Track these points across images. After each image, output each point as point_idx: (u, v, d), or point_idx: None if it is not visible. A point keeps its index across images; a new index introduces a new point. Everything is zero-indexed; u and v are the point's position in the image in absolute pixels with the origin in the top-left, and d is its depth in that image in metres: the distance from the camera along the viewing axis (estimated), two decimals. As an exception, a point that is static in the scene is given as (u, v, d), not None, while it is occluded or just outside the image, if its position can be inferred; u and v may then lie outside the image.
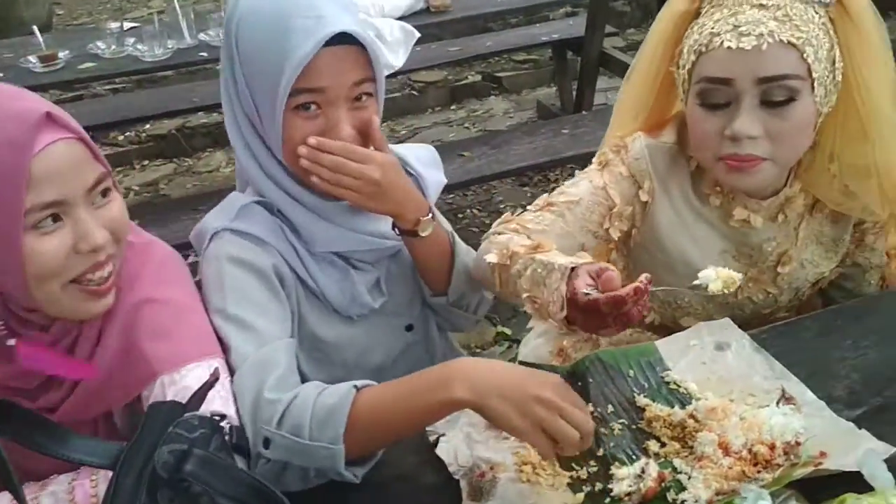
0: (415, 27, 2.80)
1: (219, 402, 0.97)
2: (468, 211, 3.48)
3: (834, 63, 1.13)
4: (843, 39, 1.13)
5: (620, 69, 3.12)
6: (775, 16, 1.09)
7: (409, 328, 1.29)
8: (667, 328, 1.39)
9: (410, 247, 1.23)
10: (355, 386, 0.98)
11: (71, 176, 0.90)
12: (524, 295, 1.07)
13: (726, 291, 0.99)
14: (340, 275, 1.18)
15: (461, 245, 1.30)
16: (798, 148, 1.17)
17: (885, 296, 1.33)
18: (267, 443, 0.96)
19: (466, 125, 4.30)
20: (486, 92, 4.64)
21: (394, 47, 2.75)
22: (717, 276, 1.00)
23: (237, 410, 0.99)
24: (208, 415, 0.87)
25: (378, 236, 1.20)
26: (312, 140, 1.07)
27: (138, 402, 1.00)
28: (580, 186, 1.29)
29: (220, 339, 1.04)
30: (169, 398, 0.94)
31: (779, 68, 1.09)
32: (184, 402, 0.88)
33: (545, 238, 1.19)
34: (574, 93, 3.90)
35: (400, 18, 2.83)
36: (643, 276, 0.94)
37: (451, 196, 3.54)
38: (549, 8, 4.53)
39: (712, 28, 1.12)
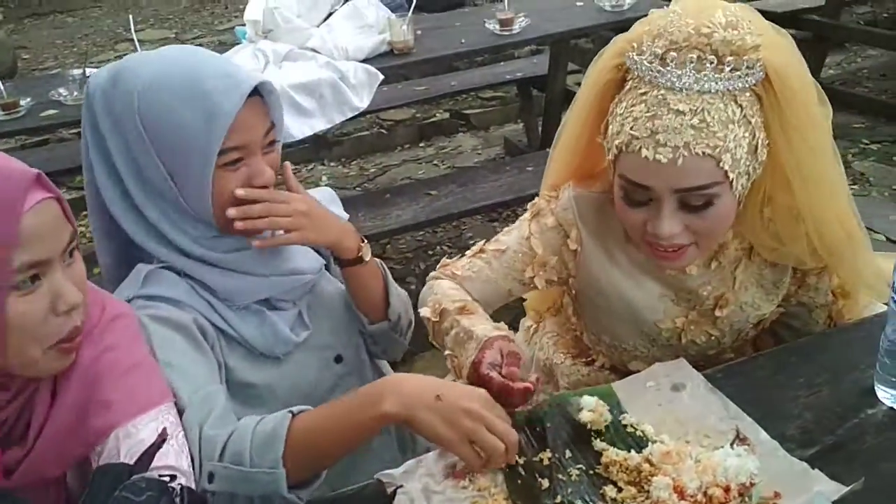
0: (379, 69, 2.83)
1: (172, 455, 0.96)
2: (438, 248, 3.51)
3: (756, 150, 1.12)
4: (769, 114, 1.12)
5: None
6: (692, 123, 1.07)
7: (339, 359, 1.31)
8: (617, 370, 1.41)
9: (351, 276, 1.28)
10: (290, 411, 1.03)
11: (53, 235, 0.90)
12: (447, 352, 1.16)
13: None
14: (258, 318, 1.21)
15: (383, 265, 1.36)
16: (720, 233, 1.21)
17: (835, 333, 1.35)
18: (211, 477, 0.99)
19: (435, 162, 4.33)
20: (454, 129, 4.69)
21: (358, 90, 2.77)
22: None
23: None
24: (156, 476, 0.86)
25: (293, 273, 1.24)
26: (241, 191, 1.13)
27: (88, 464, 0.98)
28: (511, 235, 1.36)
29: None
30: (122, 453, 0.92)
31: (695, 180, 1.10)
32: (132, 462, 0.87)
33: (471, 284, 1.34)
34: (540, 129, 3.95)
35: (364, 61, 2.85)
36: (533, 376, 1.08)
37: (422, 233, 3.57)
38: (513, 47, 4.60)
39: (632, 127, 1.11)
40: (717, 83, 1.08)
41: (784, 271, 1.32)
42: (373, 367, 1.39)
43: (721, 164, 1.09)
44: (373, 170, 4.29)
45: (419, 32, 3.06)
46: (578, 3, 3.44)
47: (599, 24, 3.35)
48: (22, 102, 2.64)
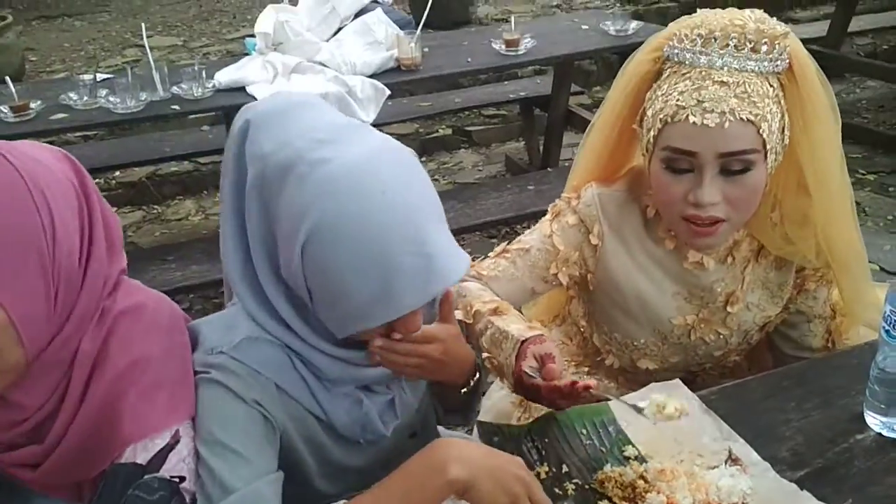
0: (386, 84, 2.87)
1: (187, 472, 0.95)
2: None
3: (784, 130, 1.22)
4: (791, 103, 1.22)
5: (585, 126, 3.23)
6: (736, 93, 1.17)
7: (413, 435, 1.21)
8: (625, 371, 1.47)
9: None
10: None
11: None
12: (485, 354, 1.18)
13: (655, 417, 1.12)
14: (351, 404, 1.09)
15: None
16: (751, 209, 1.26)
17: (828, 359, 1.38)
18: None
19: (436, 177, 4.36)
20: (456, 145, 4.72)
21: (365, 104, 2.81)
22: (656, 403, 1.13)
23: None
24: (167, 477, 0.89)
25: None
26: (379, 342, 1.00)
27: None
28: (533, 235, 1.42)
29: (201, 465, 0.96)
30: (138, 460, 0.93)
31: (738, 144, 1.18)
32: (144, 463, 0.89)
33: (497, 283, 1.37)
34: (541, 148, 4.00)
35: (371, 76, 2.89)
36: (583, 383, 1.09)
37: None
38: (518, 67, 4.66)
39: (678, 100, 1.20)
40: (754, 63, 1.19)
41: (787, 275, 1.38)
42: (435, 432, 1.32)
43: (761, 132, 1.18)
44: (374, 183, 4.31)
45: (426, 50, 3.11)
46: (584, 27, 3.50)
47: (603, 48, 3.42)
48: (32, 105, 2.68)
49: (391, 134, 1.03)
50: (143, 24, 3.02)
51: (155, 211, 4.15)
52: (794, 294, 1.41)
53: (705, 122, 1.17)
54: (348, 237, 0.89)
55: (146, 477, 0.87)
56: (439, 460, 0.93)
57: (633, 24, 3.30)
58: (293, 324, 1.02)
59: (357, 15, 3.13)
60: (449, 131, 4.78)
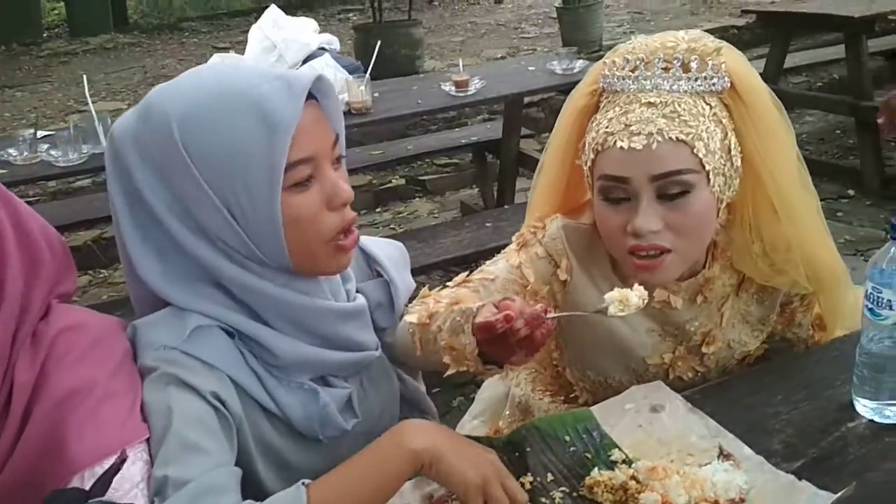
0: (337, 128, 2.84)
1: (141, 499, 0.87)
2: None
3: (730, 151, 1.15)
4: (740, 124, 1.16)
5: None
6: (664, 113, 1.11)
7: None
8: None
9: None
10: (302, 482, 0.91)
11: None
12: (442, 344, 1.05)
13: (621, 313, 1.01)
14: (308, 398, 1.06)
15: None
16: (700, 238, 1.19)
17: (808, 353, 1.35)
18: None
19: (392, 226, 4.32)
20: (410, 194, 4.70)
21: (316, 147, 2.77)
22: (617, 297, 1.02)
23: None
24: (115, 502, 0.80)
25: (357, 349, 1.12)
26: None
27: None
28: (498, 265, 1.30)
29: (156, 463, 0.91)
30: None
31: (670, 165, 1.11)
32: (87, 488, 0.80)
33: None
34: (495, 193, 3.99)
35: (322, 120, 2.86)
36: (539, 305, 0.97)
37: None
38: (465, 114, 4.71)
39: (606, 127, 1.14)
40: (685, 83, 1.13)
41: (771, 309, 1.31)
42: None
43: (695, 151, 1.11)
44: (329, 235, 4.26)
45: (376, 95, 3.10)
46: (531, 68, 3.54)
47: (551, 86, 3.46)
48: (-30, 161, 2.57)
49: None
50: (85, 78, 2.95)
51: (101, 275, 4.02)
52: (779, 328, 1.35)
53: (632, 145, 1.10)
54: (211, 98, 0.95)
55: (91, 501, 0.78)
56: (407, 434, 0.94)
57: (579, 63, 3.33)
58: (236, 278, 1.00)
59: (304, 62, 3.11)
60: (402, 181, 4.77)
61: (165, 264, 1.01)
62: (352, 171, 3.99)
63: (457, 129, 4.41)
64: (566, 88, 3.39)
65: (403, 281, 1.23)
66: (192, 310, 1.00)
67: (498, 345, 0.97)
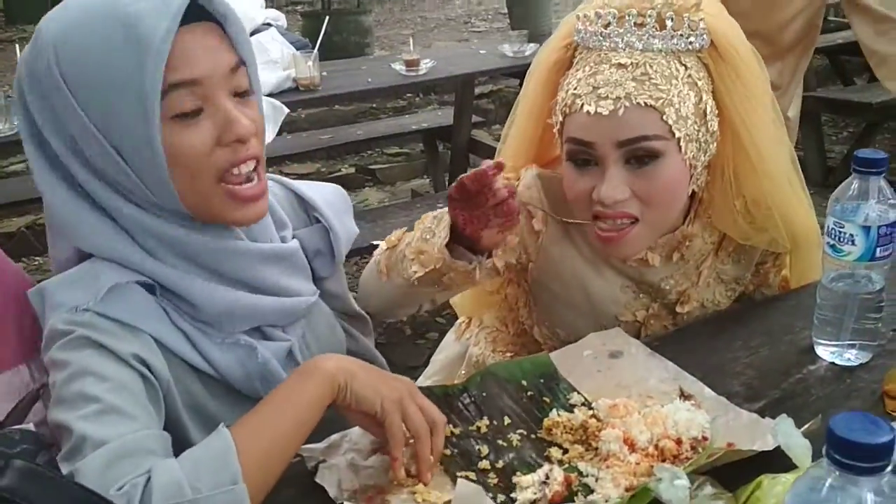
0: (284, 104, 2.76)
1: None
2: (349, 280, 3.40)
3: (705, 115, 1.10)
4: (719, 83, 1.11)
5: (490, 155, 3.21)
6: (634, 76, 1.06)
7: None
8: None
9: None
10: (223, 425, 0.84)
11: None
12: (409, 252, 1.00)
13: None
14: (245, 353, 0.98)
15: None
16: (669, 208, 1.15)
17: (765, 301, 1.32)
18: None
19: (341, 215, 4.25)
20: (360, 184, 4.62)
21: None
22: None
23: None
24: (32, 428, 0.72)
25: (291, 294, 1.03)
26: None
27: None
28: None
29: (62, 426, 0.80)
30: None
31: (637, 131, 1.06)
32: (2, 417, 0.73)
33: None
34: (447, 182, 3.95)
35: (268, 95, 2.78)
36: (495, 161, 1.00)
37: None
38: (416, 104, 4.66)
39: (575, 88, 1.10)
40: (659, 41, 1.07)
41: (746, 268, 1.28)
42: None
43: (665, 118, 1.06)
44: (277, 222, 4.17)
45: (325, 74, 3.03)
46: (482, 51, 3.52)
47: (501, 68, 3.44)
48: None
49: (291, 173, 1.01)
50: (17, 47, 2.81)
51: (36, 262, 3.85)
52: (751, 288, 1.32)
53: (599, 109, 1.06)
54: (84, 21, 0.86)
55: (6, 429, 0.70)
56: (319, 361, 0.92)
57: (530, 46, 3.32)
58: (135, 219, 0.91)
59: (250, 36, 3.03)
60: (352, 170, 4.69)
61: (74, 206, 0.91)
62: (300, 158, 3.90)
63: (407, 116, 4.36)
64: (517, 71, 3.41)
65: (344, 226, 1.13)
66: (107, 258, 0.91)
67: (472, 219, 1.01)
